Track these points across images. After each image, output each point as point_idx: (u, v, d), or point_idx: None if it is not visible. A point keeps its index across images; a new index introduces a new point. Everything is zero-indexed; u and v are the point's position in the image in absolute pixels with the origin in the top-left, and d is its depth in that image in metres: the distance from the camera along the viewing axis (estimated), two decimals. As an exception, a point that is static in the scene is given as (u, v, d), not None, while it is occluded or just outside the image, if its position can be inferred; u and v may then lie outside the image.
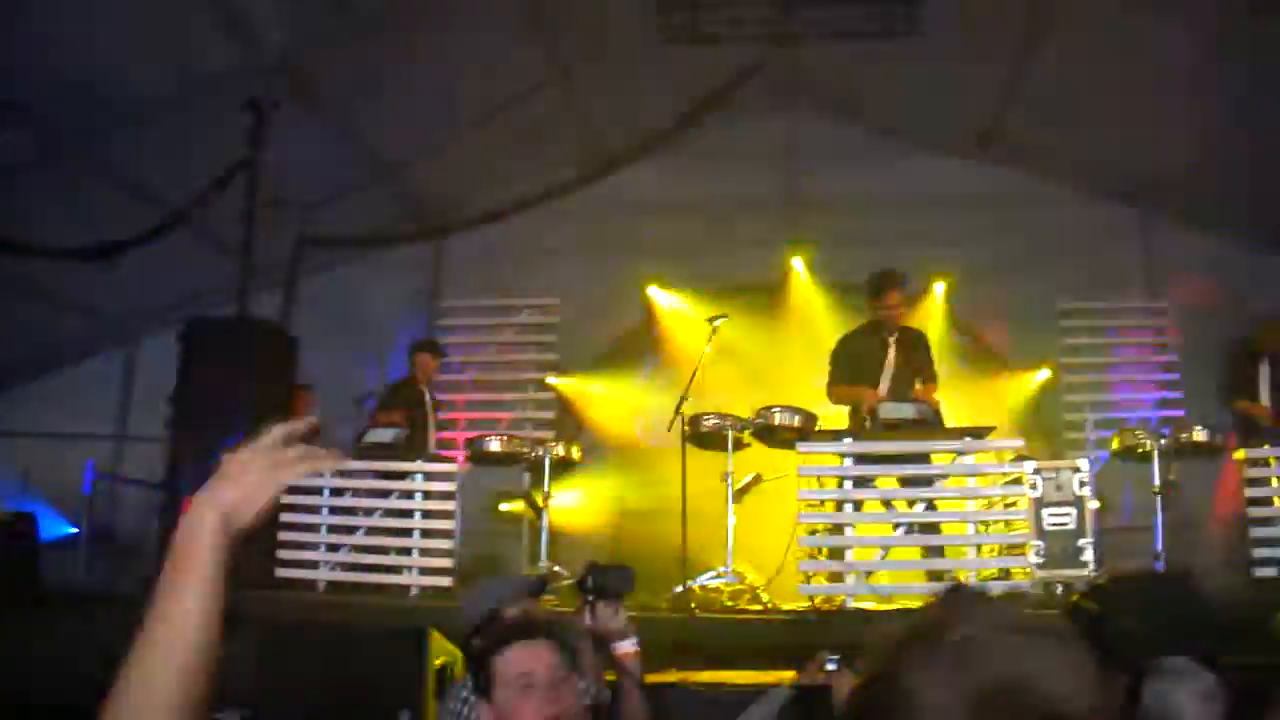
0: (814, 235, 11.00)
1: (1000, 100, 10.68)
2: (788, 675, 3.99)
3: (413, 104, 9.94)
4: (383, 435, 8.96)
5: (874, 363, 8.06)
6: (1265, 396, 8.83)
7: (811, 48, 10.32)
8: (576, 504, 10.05)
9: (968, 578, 7.30)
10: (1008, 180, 11.34)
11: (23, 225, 8.58)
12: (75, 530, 9.88)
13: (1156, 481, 8.39)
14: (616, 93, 10.67)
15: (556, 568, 8.28)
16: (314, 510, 8.15)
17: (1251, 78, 9.18)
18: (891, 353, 8.09)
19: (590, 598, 3.60)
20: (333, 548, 8.20)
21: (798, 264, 11.27)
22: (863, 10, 9.50)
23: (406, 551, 8.22)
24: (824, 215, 10.97)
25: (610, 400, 11.36)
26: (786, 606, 7.39)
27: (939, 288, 11.30)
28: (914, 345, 8.26)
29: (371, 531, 8.39)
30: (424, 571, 8.12)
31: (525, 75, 10.16)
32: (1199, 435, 8.40)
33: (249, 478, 1.51)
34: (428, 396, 9.67)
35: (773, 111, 11.85)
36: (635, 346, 11.78)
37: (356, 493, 8.42)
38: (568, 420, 11.25)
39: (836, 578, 7.29)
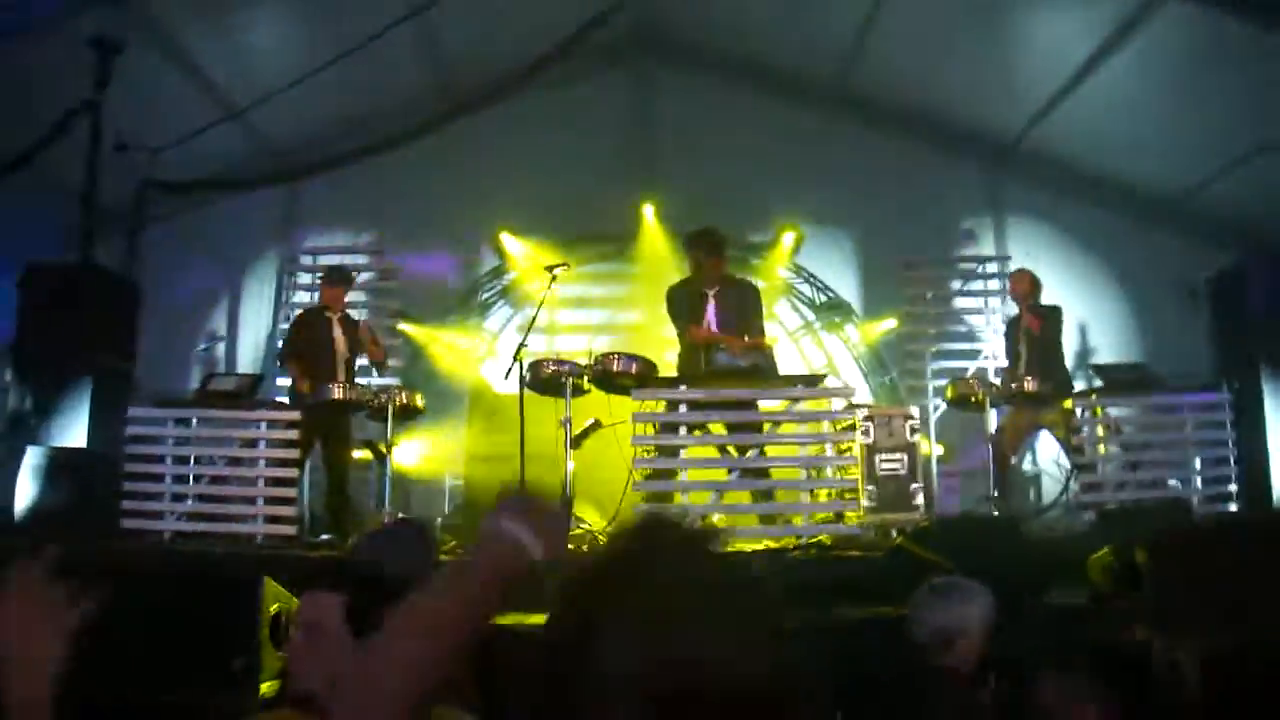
0: (664, 184, 11.08)
1: (852, 52, 10.87)
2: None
3: (261, 41, 9.73)
4: (225, 384, 8.81)
5: (695, 315, 8.09)
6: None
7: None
8: (424, 451, 10.05)
9: (801, 521, 7.54)
10: (857, 133, 11.53)
11: None
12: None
13: (991, 429, 8.79)
14: (471, 36, 10.57)
15: (401, 515, 8.32)
16: (158, 460, 8.05)
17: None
18: (711, 305, 8.11)
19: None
20: (178, 498, 8.10)
21: (648, 213, 11.29)
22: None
23: (250, 500, 8.15)
24: (675, 164, 11.06)
25: (460, 346, 11.32)
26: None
27: (788, 238, 11.52)
28: (739, 297, 8.22)
29: (215, 480, 8.31)
30: (268, 520, 8.05)
31: (379, 14, 9.99)
32: (1029, 386, 8.71)
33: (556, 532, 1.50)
34: (336, 327, 8.88)
35: (626, 59, 11.91)
36: (486, 293, 11.83)
37: (200, 441, 8.31)
38: (416, 366, 11.21)
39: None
